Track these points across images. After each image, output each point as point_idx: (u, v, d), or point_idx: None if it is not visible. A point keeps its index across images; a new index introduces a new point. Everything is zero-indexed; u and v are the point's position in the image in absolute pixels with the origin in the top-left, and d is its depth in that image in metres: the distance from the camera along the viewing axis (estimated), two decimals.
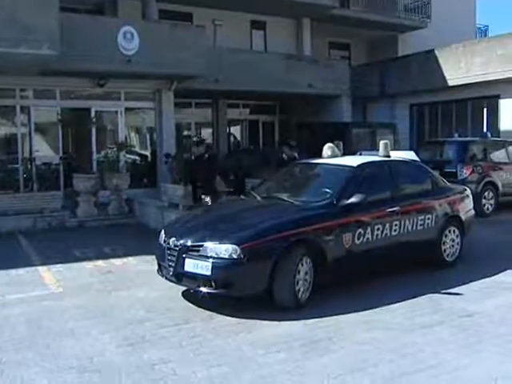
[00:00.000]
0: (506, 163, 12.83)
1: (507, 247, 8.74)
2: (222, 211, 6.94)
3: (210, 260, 5.44)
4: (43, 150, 13.83)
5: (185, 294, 6.13)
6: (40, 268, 7.68)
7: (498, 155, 13.01)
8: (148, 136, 16.10)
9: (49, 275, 7.30)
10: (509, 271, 7.16)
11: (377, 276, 6.67)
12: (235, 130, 20.80)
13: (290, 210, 6.19)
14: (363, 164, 6.91)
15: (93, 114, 13.88)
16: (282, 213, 6.11)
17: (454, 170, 11.77)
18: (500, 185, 12.34)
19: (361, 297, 6.03)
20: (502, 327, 5.15)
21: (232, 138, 20.62)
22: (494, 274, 6.96)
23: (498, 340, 4.82)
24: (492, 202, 12.14)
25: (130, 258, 8.22)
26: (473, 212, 8.02)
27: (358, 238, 6.15)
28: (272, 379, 4.10)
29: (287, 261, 5.50)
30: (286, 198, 6.49)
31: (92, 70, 12.61)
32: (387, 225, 6.46)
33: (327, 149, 7.36)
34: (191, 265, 5.56)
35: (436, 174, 7.94)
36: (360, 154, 7.82)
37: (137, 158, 15.58)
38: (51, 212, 11.27)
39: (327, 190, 6.39)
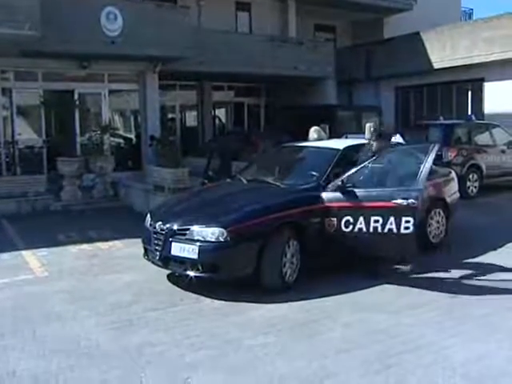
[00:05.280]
0: (489, 146, 12.93)
1: (490, 229, 8.85)
2: (208, 195, 6.92)
3: (197, 244, 5.42)
4: (26, 133, 13.67)
5: (171, 278, 6.11)
6: (24, 252, 7.60)
7: (482, 138, 13.11)
8: (132, 118, 15.96)
9: (33, 259, 7.23)
10: (492, 252, 7.25)
11: (362, 258, 6.71)
12: (220, 113, 20.69)
13: (277, 193, 6.19)
14: (349, 147, 6.91)
15: (76, 96, 13.70)
16: (268, 196, 6.11)
17: (439, 153, 11.81)
18: (484, 167, 12.45)
19: (347, 279, 6.06)
20: (487, 308, 5.21)
21: (217, 121, 20.52)
22: (478, 255, 7.05)
23: (483, 320, 4.89)
24: (476, 184, 12.25)
25: (116, 242, 8.17)
26: (458, 195, 8.08)
27: (344, 221, 6.14)
28: (260, 361, 4.12)
29: (274, 243, 5.51)
30: (272, 181, 6.48)
31: (75, 51, 12.43)
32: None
33: (313, 132, 7.35)
34: (178, 249, 5.54)
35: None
36: (346, 137, 7.80)
37: (121, 140, 15.46)
38: (35, 196, 11.14)
39: (313, 173, 6.39)
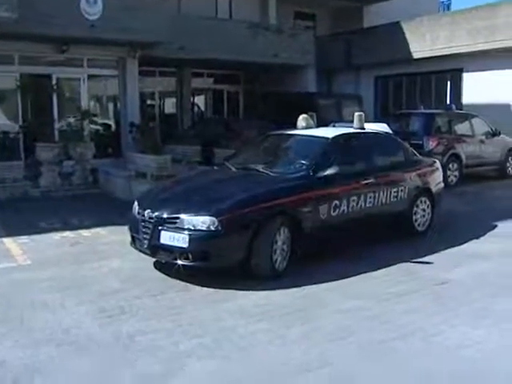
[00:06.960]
0: (469, 135, 13.09)
1: (471, 217, 9.02)
2: (197, 182, 6.82)
3: (187, 232, 5.35)
4: (1, 118, 13.31)
5: (158, 265, 6.04)
6: (5, 240, 7.43)
7: (462, 128, 13.26)
8: (112, 104, 15.68)
9: (15, 247, 7.08)
10: (475, 240, 7.37)
11: (351, 246, 6.75)
12: (199, 100, 20.52)
13: (267, 181, 6.14)
14: (338, 136, 6.90)
15: (54, 80, 13.40)
16: (258, 184, 6.05)
17: (420, 142, 11.91)
18: (464, 157, 12.59)
19: (336, 266, 6.07)
20: (474, 294, 5.29)
21: (196, 108, 20.35)
22: (462, 243, 7.15)
23: (471, 306, 4.96)
24: (456, 173, 12.38)
25: (99, 229, 8.04)
26: (442, 184, 8.18)
27: (334, 209, 6.17)
28: (254, 349, 4.10)
29: (265, 231, 5.47)
30: (261, 170, 6.41)
31: (53, 34, 12.08)
32: (362, 196, 6.51)
33: (301, 120, 7.30)
34: (167, 237, 5.47)
35: (408, 146, 8.01)
36: (333, 126, 7.78)
37: (100, 127, 15.17)
38: (13, 182, 10.92)
39: (303, 162, 6.37)
